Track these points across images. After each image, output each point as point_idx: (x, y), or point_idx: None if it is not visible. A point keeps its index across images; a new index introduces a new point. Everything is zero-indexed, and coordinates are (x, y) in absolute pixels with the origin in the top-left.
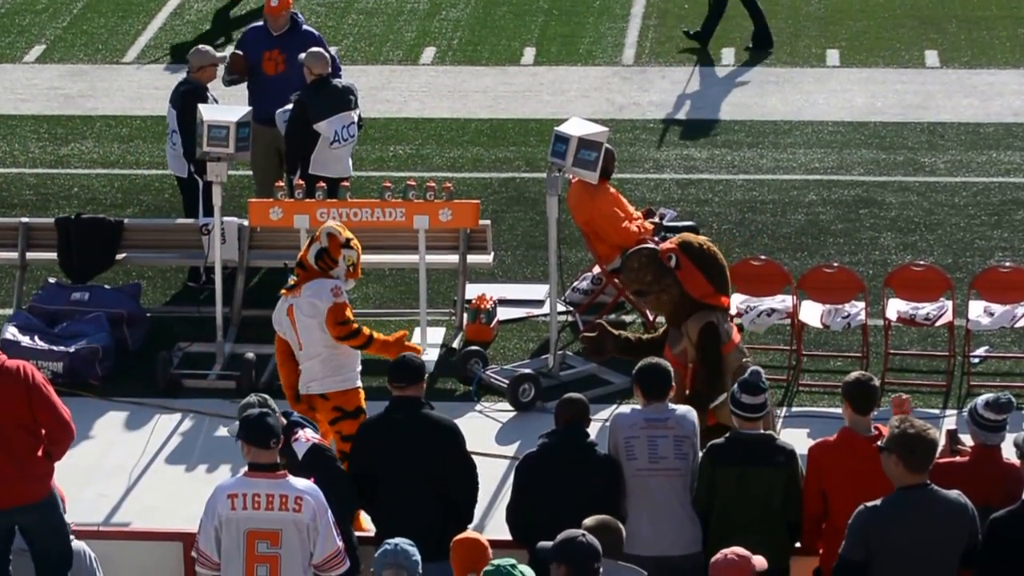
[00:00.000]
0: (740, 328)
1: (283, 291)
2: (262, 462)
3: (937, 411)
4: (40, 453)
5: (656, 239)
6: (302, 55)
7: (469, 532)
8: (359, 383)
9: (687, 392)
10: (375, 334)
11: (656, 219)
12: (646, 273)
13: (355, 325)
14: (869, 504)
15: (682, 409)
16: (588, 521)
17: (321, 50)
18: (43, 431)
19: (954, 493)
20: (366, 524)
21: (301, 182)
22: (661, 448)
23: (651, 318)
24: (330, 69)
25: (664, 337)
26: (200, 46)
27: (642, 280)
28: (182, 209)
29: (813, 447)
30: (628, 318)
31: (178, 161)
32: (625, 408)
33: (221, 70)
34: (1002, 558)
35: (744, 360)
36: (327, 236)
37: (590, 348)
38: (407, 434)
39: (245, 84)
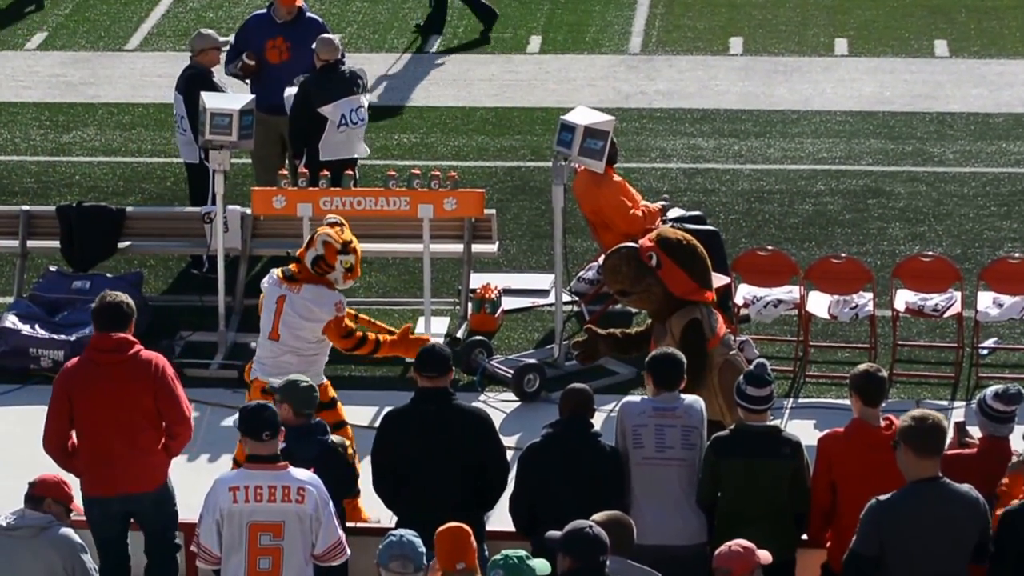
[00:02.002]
0: (743, 320)
1: (279, 273)
2: (262, 454)
3: (945, 403)
4: (160, 446)
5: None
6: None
7: (452, 523)
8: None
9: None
10: (381, 336)
11: (660, 204)
12: (627, 273)
13: (359, 334)
14: (881, 498)
15: (690, 399)
16: (598, 516)
17: (333, 37)
18: (164, 425)
19: (966, 487)
20: (368, 514)
21: (305, 170)
22: (668, 437)
23: None
24: (339, 56)
25: (651, 330)
26: (202, 30)
27: (623, 281)
28: (185, 197)
29: (823, 438)
30: (634, 308)
31: (189, 147)
32: (634, 396)
33: (223, 56)
34: (1015, 550)
35: (731, 353)
36: (323, 244)
37: (583, 353)
38: (441, 426)
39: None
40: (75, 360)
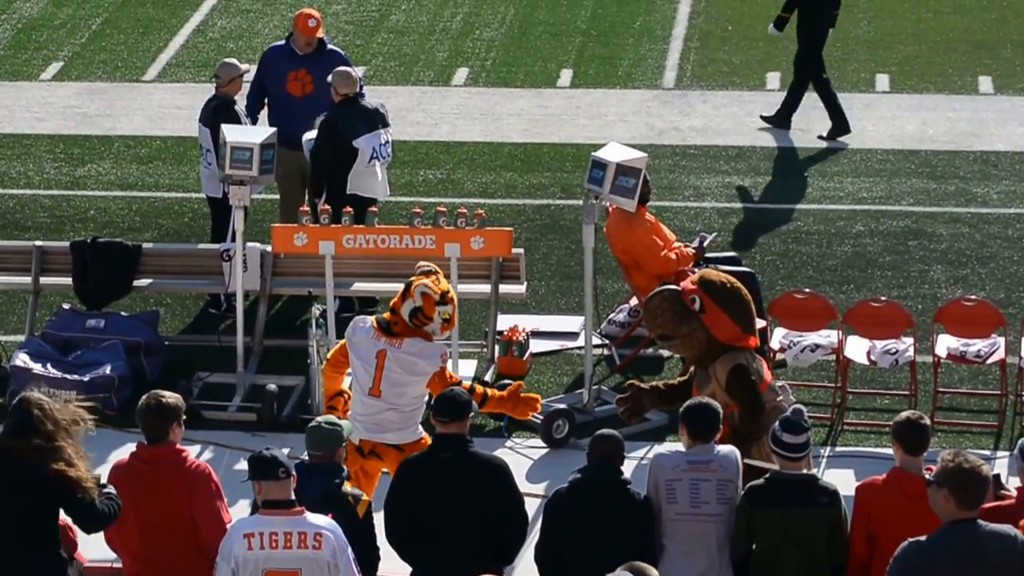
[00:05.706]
0: (779, 365)
1: (375, 324)
2: (276, 498)
3: (988, 452)
4: None
5: (695, 270)
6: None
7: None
8: None
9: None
10: (489, 391)
11: (697, 244)
12: (670, 317)
13: (466, 385)
14: (913, 539)
15: (725, 449)
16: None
17: (349, 70)
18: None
19: (1006, 527)
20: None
21: (327, 207)
22: (703, 492)
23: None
24: (358, 89)
25: (693, 377)
26: (227, 59)
27: (665, 325)
28: (203, 233)
29: (861, 487)
30: (666, 352)
31: (212, 181)
32: (666, 448)
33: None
34: None
35: (779, 399)
36: (421, 296)
37: (628, 410)
38: (455, 474)
39: (266, 105)
40: None
